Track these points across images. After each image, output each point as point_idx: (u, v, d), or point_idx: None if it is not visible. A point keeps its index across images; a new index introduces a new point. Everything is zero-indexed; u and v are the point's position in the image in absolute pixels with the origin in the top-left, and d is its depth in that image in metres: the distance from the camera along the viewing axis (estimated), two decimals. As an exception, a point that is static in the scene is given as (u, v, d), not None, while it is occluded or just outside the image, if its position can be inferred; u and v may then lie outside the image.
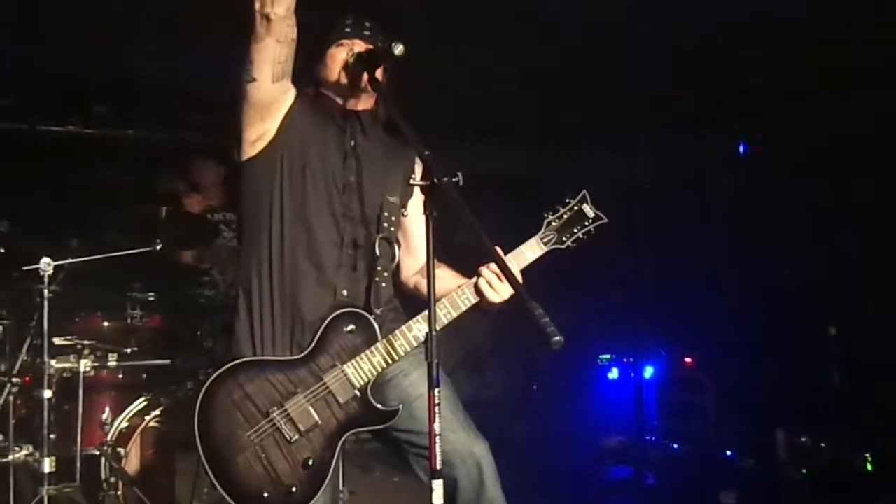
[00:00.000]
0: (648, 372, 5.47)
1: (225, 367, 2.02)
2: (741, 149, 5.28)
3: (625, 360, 5.76)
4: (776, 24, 4.01)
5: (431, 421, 1.68)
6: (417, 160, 2.33)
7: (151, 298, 3.88)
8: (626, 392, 5.59)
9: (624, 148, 5.60)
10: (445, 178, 1.76)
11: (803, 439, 4.38)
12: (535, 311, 1.57)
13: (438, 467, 1.70)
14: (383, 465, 4.42)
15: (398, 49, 1.97)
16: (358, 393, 2.04)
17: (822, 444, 4.27)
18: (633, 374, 5.41)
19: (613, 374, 5.85)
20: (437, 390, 1.69)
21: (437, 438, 1.70)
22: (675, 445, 5.07)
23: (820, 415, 4.43)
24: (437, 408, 1.69)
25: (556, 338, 1.56)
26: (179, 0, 3.87)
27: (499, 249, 2.06)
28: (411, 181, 1.83)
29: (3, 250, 3.62)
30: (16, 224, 3.74)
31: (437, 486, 1.68)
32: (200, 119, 5.26)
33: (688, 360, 5.20)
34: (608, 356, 5.88)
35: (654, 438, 5.20)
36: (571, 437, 5.31)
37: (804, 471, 4.26)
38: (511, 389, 6.22)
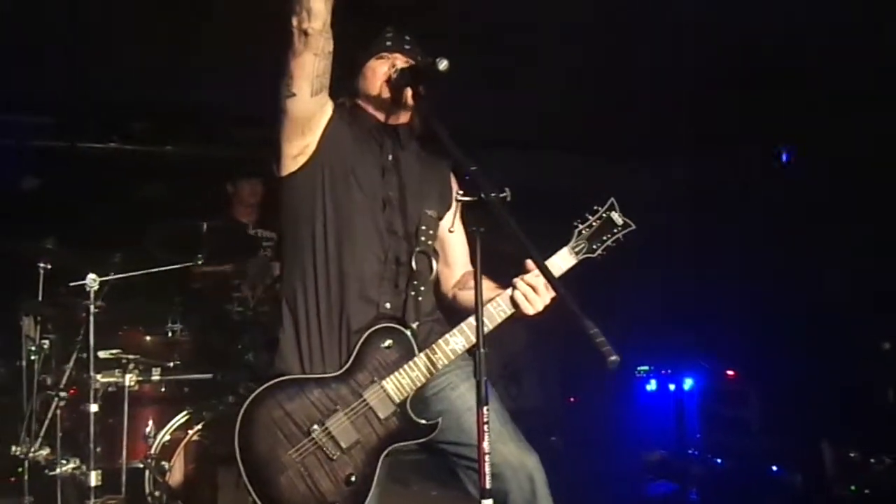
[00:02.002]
0: (688, 384, 5.37)
1: (264, 387, 2.02)
2: (784, 157, 5.17)
3: (663, 371, 5.66)
4: (819, 32, 3.93)
5: (480, 440, 1.67)
6: (452, 176, 2.36)
7: (189, 312, 3.94)
8: (664, 404, 5.49)
9: (663, 156, 5.53)
10: (493, 194, 1.74)
11: (852, 455, 4.25)
12: (589, 330, 1.55)
13: (488, 486, 1.68)
14: (421, 478, 4.40)
15: (443, 64, 1.96)
16: (398, 408, 2.04)
17: (872, 461, 4.14)
18: (673, 387, 5.31)
19: (651, 385, 5.75)
20: (485, 408, 1.68)
21: (487, 456, 1.69)
22: (719, 460, 4.96)
23: (870, 430, 4.29)
24: (486, 425, 1.67)
25: (613, 357, 1.54)
26: (217, 20, 3.93)
27: (529, 265, 2.06)
28: (457, 197, 1.81)
29: (49, 266, 3.72)
30: (62, 240, 3.84)
31: (488, 505, 1.67)
32: (238, 135, 5.36)
33: (730, 372, 5.09)
34: (646, 368, 5.78)
35: (695, 452, 5.09)
36: (610, 450, 5.22)
37: (852, 487, 4.14)
38: (548, 401, 6.16)
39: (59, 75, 4.60)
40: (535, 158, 5.70)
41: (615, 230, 2.18)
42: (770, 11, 3.76)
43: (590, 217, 2.19)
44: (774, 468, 4.56)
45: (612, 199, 2.22)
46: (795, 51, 4.12)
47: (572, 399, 6.21)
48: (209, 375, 3.70)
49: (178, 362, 3.75)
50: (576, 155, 5.76)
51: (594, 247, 2.16)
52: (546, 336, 5.89)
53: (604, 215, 2.18)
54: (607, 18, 3.90)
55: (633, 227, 2.19)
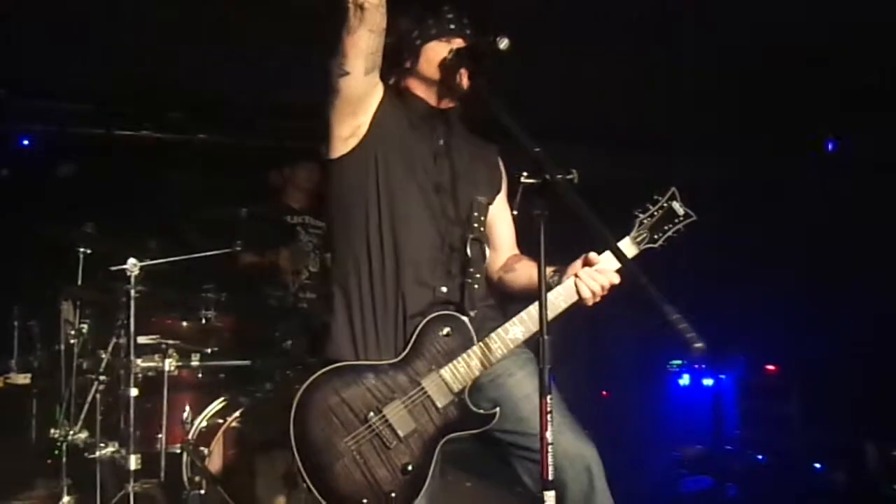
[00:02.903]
0: (723, 379, 5.28)
1: (320, 373, 1.99)
2: (829, 146, 5.05)
3: (696, 366, 5.58)
4: (867, 21, 3.84)
5: (544, 430, 1.62)
6: (500, 159, 2.31)
7: (223, 299, 3.92)
8: (697, 399, 5.42)
9: (706, 147, 5.44)
10: (560, 176, 1.69)
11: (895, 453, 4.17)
12: (671, 316, 1.49)
13: (550, 477, 1.63)
14: (457, 469, 4.36)
15: (503, 43, 1.91)
16: (456, 397, 2.00)
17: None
18: (710, 382, 5.23)
19: (685, 380, 5.69)
20: (548, 397, 1.63)
21: (549, 447, 1.63)
22: (760, 457, 4.87)
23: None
24: (548, 415, 1.62)
25: (698, 344, 1.48)
26: (251, 11, 3.91)
27: (592, 257, 2.03)
28: (522, 179, 1.76)
29: (89, 251, 3.73)
30: (100, 226, 3.85)
31: (550, 497, 1.62)
32: (271, 124, 5.36)
33: (770, 367, 5.00)
34: (679, 361, 5.71)
35: (732, 448, 5.01)
36: (643, 445, 5.16)
37: (896, 486, 4.06)
38: (579, 395, 6.09)
39: (97, 64, 4.60)
40: (584, 152, 5.63)
41: (677, 220, 2.12)
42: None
43: (650, 207, 2.13)
44: (817, 465, 4.48)
45: (674, 188, 2.16)
46: (841, 40, 4.04)
47: (604, 393, 6.14)
48: (247, 362, 3.69)
49: (216, 349, 3.73)
50: (628, 148, 5.69)
51: (655, 237, 2.11)
52: (578, 328, 5.83)
53: (665, 205, 2.13)
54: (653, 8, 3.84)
55: (695, 217, 2.14)
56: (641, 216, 2.12)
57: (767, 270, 5.17)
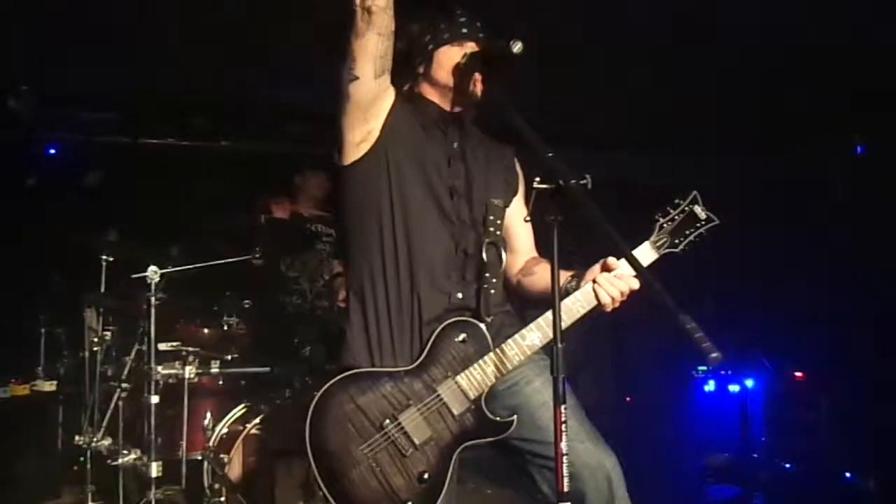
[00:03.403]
0: (750, 385, 5.18)
1: (335, 379, 1.98)
2: (858, 150, 4.94)
3: (722, 372, 5.48)
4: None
5: (558, 440, 1.59)
6: (516, 161, 2.29)
7: (247, 305, 3.94)
8: (723, 405, 5.32)
9: (730, 154, 5.37)
10: (573, 181, 1.66)
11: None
12: (686, 325, 1.45)
13: (566, 489, 1.60)
14: (477, 476, 4.33)
15: (517, 47, 1.88)
16: (472, 404, 1.97)
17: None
18: (736, 388, 5.13)
19: (710, 386, 5.60)
20: (563, 406, 1.59)
21: (564, 457, 1.60)
22: (788, 465, 4.77)
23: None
24: (563, 424, 1.59)
25: (714, 354, 1.44)
26: (272, 20, 3.93)
27: (611, 262, 1.99)
28: (534, 184, 1.74)
29: (112, 258, 3.77)
30: (122, 233, 3.89)
31: (566, 508, 1.58)
32: (292, 131, 5.38)
33: (798, 374, 4.89)
34: (704, 368, 5.62)
35: (759, 456, 4.91)
36: (669, 452, 5.08)
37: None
38: (603, 401, 6.03)
39: (122, 73, 4.67)
40: (603, 157, 5.58)
41: (698, 224, 2.08)
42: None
43: (671, 210, 2.09)
44: (847, 474, 4.37)
45: (695, 192, 2.11)
46: (870, 43, 3.96)
47: (628, 399, 6.07)
48: (266, 369, 3.69)
49: (236, 355, 3.75)
50: (648, 152, 5.63)
51: (676, 241, 2.07)
52: (601, 333, 5.77)
53: (686, 209, 2.08)
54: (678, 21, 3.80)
55: (717, 221, 2.09)
56: (662, 220, 2.08)
57: (796, 275, 5.06)
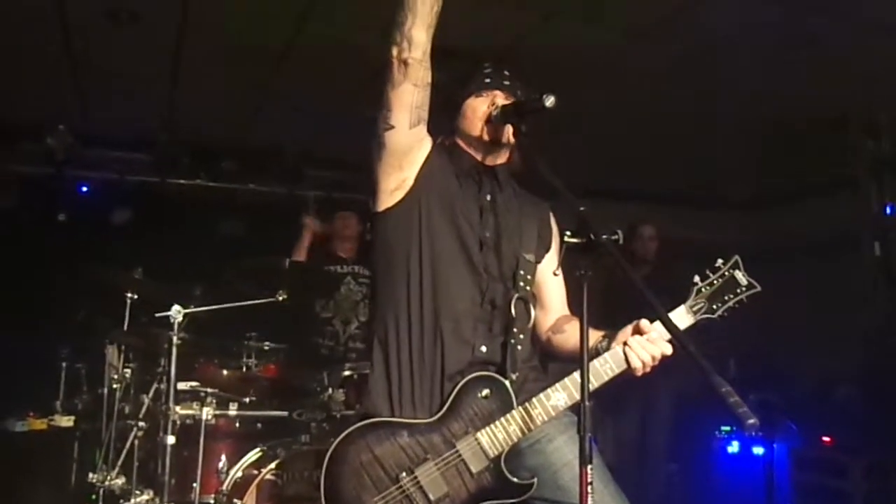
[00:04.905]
0: (775, 448, 5.02)
1: (353, 427, 1.95)
2: (888, 209, 4.88)
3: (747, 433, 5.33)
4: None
5: (584, 501, 1.54)
6: (552, 216, 2.28)
7: (267, 347, 3.93)
8: (747, 468, 5.15)
9: (750, 208, 5.34)
10: (605, 236, 1.64)
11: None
12: (721, 389, 1.41)
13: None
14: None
15: (549, 101, 1.89)
16: (491, 463, 1.92)
17: None
18: (761, 450, 4.98)
19: (734, 447, 5.44)
20: (589, 466, 1.55)
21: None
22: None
23: None
24: (589, 486, 1.55)
25: (751, 420, 1.40)
26: (299, 68, 4.02)
27: (644, 325, 1.95)
28: (565, 238, 1.72)
29: (136, 296, 3.79)
30: (147, 272, 3.92)
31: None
32: (317, 176, 5.47)
33: (825, 438, 4.74)
34: (728, 428, 5.47)
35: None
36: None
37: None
38: (622, 459, 5.88)
39: (155, 116, 4.80)
40: (628, 209, 5.57)
41: (739, 290, 2.01)
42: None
43: (710, 274, 2.03)
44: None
45: (737, 256, 2.05)
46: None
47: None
48: (285, 413, 3.66)
49: (254, 398, 3.72)
50: (668, 205, 5.61)
51: (714, 307, 2.00)
52: (622, 391, 5.65)
53: (727, 273, 2.03)
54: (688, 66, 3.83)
55: (758, 288, 2.02)
56: (700, 283, 2.02)
57: (824, 339, 4.96)
